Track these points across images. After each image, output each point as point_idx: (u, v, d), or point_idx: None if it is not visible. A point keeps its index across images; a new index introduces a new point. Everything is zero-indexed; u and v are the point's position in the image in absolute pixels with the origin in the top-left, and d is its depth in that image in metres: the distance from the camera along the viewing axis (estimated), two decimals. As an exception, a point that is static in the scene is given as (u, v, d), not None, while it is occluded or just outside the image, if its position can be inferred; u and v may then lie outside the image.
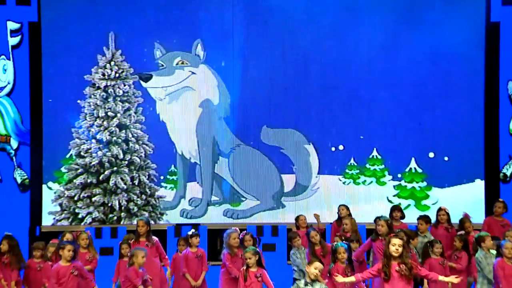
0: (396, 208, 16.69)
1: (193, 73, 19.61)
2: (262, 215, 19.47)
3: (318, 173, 19.57)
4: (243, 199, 19.58)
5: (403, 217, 16.48)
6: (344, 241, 14.52)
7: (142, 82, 19.12)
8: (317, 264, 11.48)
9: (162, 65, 19.33)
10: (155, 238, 15.54)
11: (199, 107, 19.53)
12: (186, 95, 19.46)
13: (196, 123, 19.54)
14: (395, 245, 11.27)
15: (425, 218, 16.41)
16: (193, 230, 16.06)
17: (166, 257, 15.60)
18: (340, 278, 12.23)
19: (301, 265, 15.43)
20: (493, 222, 16.66)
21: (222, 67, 19.56)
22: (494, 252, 14.41)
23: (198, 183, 19.36)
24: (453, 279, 11.56)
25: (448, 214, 16.64)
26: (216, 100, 19.61)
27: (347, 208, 16.82)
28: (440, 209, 16.76)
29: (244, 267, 13.35)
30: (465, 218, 16.23)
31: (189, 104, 19.52)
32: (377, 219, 15.40)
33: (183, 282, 15.49)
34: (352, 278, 12.20)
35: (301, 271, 15.35)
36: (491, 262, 14.10)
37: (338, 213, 16.92)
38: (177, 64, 19.53)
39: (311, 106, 19.34)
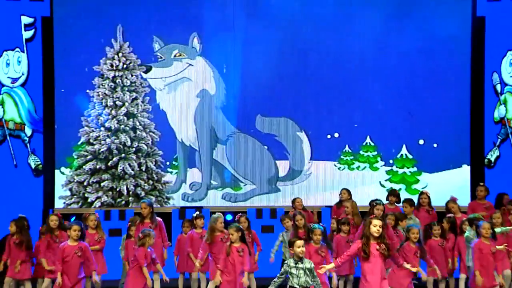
0: (392, 193, 17.18)
1: (190, 64, 19.84)
2: (258, 199, 19.72)
3: (311, 159, 19.85)
4: (242, 183, 19.80)
5: (398, 201, 16.92)
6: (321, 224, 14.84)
7: (142, 73, 19.57)
8: (298, 242, 11.84)
9: (161, 57, 19.62)
10: (158, 219, 16.04)
11: (196, 97, 19.75)
12: (184, 86, 19.69)
13: (195, 112, 19.75)
14: (376, 226, 11.68)
15: (409, 201, 16.92)
16: (197, 212, 16.90)
17: (166, 238, 16.22)
18: (322, 270, 12.49)
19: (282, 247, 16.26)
20: (476, 205, 17.18)
21: (219, 60, 19.66)
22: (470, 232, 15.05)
23: (198, 168, 19.60)
24: (411, 267, 12.22)
25: (429, 197, 17.23)
26: (212, 90, 19.80)
27: (349, 192, 17.36)
28: (422, 193, 17.57)
29: (228, 243, 13.80)
30: (452, 201, 16.61)
31: (187, 94, 19.76)
32: (373, 202, 15.93)
33: (188, 261, 16.12)
34: (331, 265, 12.56)
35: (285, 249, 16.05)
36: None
37: (340, 196, 17.40)
38: (175, 56, 19.81)
39: (307, 97, 19.69)
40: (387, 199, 16.97)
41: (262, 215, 19.03)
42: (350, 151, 19.85)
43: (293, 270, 11.69)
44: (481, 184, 17.80)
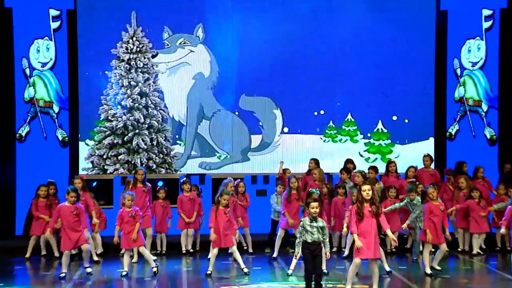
0: (372, 168, 17.88)
1: (191, 51, 20.46)
2: (230, 167, 20.50)
3: (281, 133, 20.58)
4: (217, 153, 20.49)
5: (376, 171, 17.82)
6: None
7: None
8: (313, 203, 12.32)
9: (168, 45, 20.26)
10: (149, 184, 16.90)
11: (192, 79, 20.46)
12: (183, 69, 20.38)
13: (188, 92, 20.44)
14: (365, 191, 12.36)
15: (374, 168, 17.93)
16: (184, 178, 17.83)
17: (150, 200, 16.91)
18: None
19: (276, 207, 16.77)
20: (423, 172, 18.21)
21: (218, 47, 20.38)
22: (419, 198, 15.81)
23: (182, 140, 20.29)
24: (393, 240, 12.66)
25: (396, 165, 18.21)
26: (207, 73, 20.49)
27: (315, 161, 18.19)
28: (390, 162, 18.51)
29: (215, 207, 14.73)
30: (412, 167, 17.92)
31: (185, 76, 20.43)
32: (348, 170, 17.42)
33: (180, 219, 17.24)
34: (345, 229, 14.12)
35: (275, 211, 16.88)
36: (421, 205, 15.61)
37: (308, 165, 18.19)
38: (179, 43, 20.43)
39: (296, 79, 20.45)
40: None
41: (256, 180, 20.02)
42: (333, 126, 20.60)
43: (308, 228, 12.17)
44: (426, 154, 18.75)
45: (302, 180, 17.73)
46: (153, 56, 20.28)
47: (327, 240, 12.36)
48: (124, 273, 14.51)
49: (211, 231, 14.38)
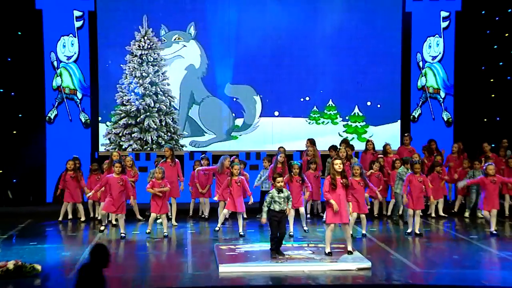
0: (345, 143, 17.99)
1: (184, 46, 20.34)
2: (216, 145, 20.46)
3: (260, 116, 20.53)
4: (205, 133, 20.48)
5: (352, 149, 17.98)
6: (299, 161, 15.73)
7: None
8: (278, 178, 12.54)
9: (164, 40, 20.20)
10: (177, 160, 17.00)
11: (184, 70, 20.35)
12: (177, 61, 20.30)
13: (181, 81, 20.36)
14: (337, 164, 12.51)
15: (350, 146, 17.93)
16: (203, 155, 17.94)
17: (181, 174, 16.91)
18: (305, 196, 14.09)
19: (263, 181, 16.91)
20: (402, 149, 18.43)
21: (210, 43, 20.29)
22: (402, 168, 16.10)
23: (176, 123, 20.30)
24: (351, 209, 12.80)
25: (373, 144, 18.38)
26: (197, 65, 20.36)
27: (310, 141, 17.92)
28: (368, 141, 18.65)
29: (229, 177, 15.03)
30: (387, 145, 18.01)
31: (178, 67, 20.35)
32: (335, 147, 17.45)
33: (197, 190, 17.30)
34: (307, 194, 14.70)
35: (262, 183, 17.00)
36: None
37: (306, 144, 17.93)
38: (174, 39, 20.33)
39: (285, 71, 20.42)
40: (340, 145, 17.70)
41: (250, 157, 20.06)
42: (317, 110, 20.60)
43: (276, 199, 12.31)
44: (406, 134, 18.97)
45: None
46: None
47: (290, 203, 12.59)
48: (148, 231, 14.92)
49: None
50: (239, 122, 20.67)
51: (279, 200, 12.36)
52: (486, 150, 18.19)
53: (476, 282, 11.09)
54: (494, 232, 14.91)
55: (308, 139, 18.16)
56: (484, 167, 15.31)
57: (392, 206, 17.04)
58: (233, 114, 20.64)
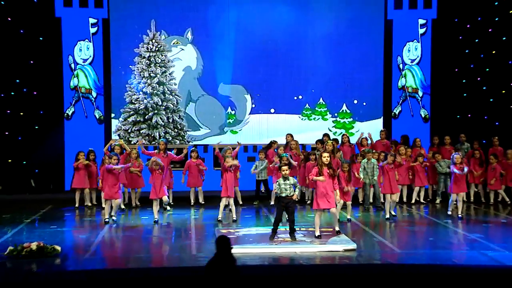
0: (328, 136, 18.07)
1: (182, 49, 20.30)
2: (210, 139, 20.30)
3: (250, 113, 20.47)
4: (201, 128, 20.41)
5: (337, 142, 17.69)
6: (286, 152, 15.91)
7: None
8: (284, 167, 12.52)
9: (164, 45, 20.15)
10: (169, 152, 16.10)
11: (182, 71, 20.31)
12: (176, 63, 20.24)
13: (179, 81, 20.27)
14: (325, 157, 12.56)
15: (335, 140, 17.80)
16: (193, 148, 17.64)
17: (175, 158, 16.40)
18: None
19: (260, 171, 16.85)
20: (378, 143, 18.36)
21: (206, 47, 20.22)
22: (374, 160, 16.02)
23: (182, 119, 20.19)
24: (338, 197, 12.69)
25: (348, 137, 18.37)
26: (194, 67, 20.31)
27: (291, 135, 17.95)
28: (344, 135, 18.61)
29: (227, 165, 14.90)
30: (364, 139, 17.90)
31: (177, 69, 20.30)
32: (322, 141, 17.27)
33: (193, 179, 17.13)
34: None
35: (257, 173, 16.96)
36: (370, 166, 16.02)
37: (286, 138, 17.91)
38: (173, 43, 20.30)
39: (280, 72, 20.41)
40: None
41: (247, 149, 20.08)
42: (309, 107, 20.56)
43: (283, 186, 12.28)
44: (382, 129, 19.08)
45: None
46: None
47: (298, 190, 12.66)
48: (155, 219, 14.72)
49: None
50: (231, 118, 20.50)
51: (285, 187, 12.32)
52: (447, 142, 18.33)
53: (448, 261, 11.16)
54: (460, 216, 15.03)
55: (288, 134, 18.11)
56: (452, 157, 15.35)
57: (372, 194, 16.93)
58: (226, 111, 20.49)
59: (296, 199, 12.89)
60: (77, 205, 17.19)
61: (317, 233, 12.56)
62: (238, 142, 16.79)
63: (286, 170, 12.53)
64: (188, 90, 20.46)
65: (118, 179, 14.81)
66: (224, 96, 20.58)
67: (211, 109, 20.60)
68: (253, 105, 20.59)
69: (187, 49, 20.44)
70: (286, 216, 12.53)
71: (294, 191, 12.50)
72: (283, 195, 12.35)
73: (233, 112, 20.57)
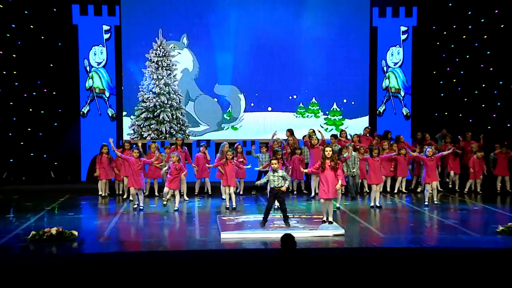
0: (333, 136, 17.62)
1: (179, 53, 20.12)
2: (209, 134, 20.25)
3: (244, 111, 20.32)
4: (200, 124, 20.26)
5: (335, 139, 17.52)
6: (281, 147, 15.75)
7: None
8: (274, 161, 12.44)
9: (170, 50, 20.00)
10: (185, 147, 17.13)
11: (180, 72, 20.17)
12: (174, 66, 20.07)
13: (178, 82, 20.14)
14: (327, 151, 12.53)
15: (335, 136, 17.72)
16: (203, 143, 17.76)
17: (190, 158, 17.15)
18: (303, 171, 13.67)
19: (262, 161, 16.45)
20: (363, 138, 18.14)
21: (198, 49, 20.03)
22: (354, 153, 15.88)
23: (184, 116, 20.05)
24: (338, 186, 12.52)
25: (346, 133, 17.98)
26: (191, 69, 20.17)
27: (289, 131, 17.87)
28: (342, 130, 18.41)
29: (225, 159, 15.00)
30: (356, 135, 17.57)
31: (175, 71, 20.08)
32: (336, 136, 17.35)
33: (202, 171, 17.04)
34: (305, 170, 13.59)
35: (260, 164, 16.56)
36: (352, 159, 16.00)
37: (286, 133, 17.83)
38: (171, 48, 20.08)
39: (275, 74, 20.26)
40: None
41: (246, 144, 19.80)
42: (303, 106, 20.46)
43: (271, 177, 12.28)
44: (367, 126, 19.10)
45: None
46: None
47: (287, 181, 12.38)
48: (164, 203, 14.74)
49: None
50: (228, 116, 20.43)
51: (273, 179, 12.26)
52: (427, 138, 18.24)
53: (427, 244, 11.27)
54: (435, 202, 15.17)
55: (288, 130, 18.00)
56: (425, 150, 15.47)
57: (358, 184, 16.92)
58: (227, 110, 20.40)
59: (289, 190, 12.86)
60: (103, 194, 17.21)
61: (330, 219, 12.51)
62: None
63: (276, 164, 12.43)
64: (187, 90, 20.37)
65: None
66: (219, 96, 20.46)
67: (208, 108, 20.45)
68: (252, 104, 20.42)
69: (184, 52, 20.30)
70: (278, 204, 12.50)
71: (284, 183, 12.35)
72: (272, 186, 12.28)
73: (229, 110, 20.41)
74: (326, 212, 12.56)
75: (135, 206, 14.92)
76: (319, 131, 16.24)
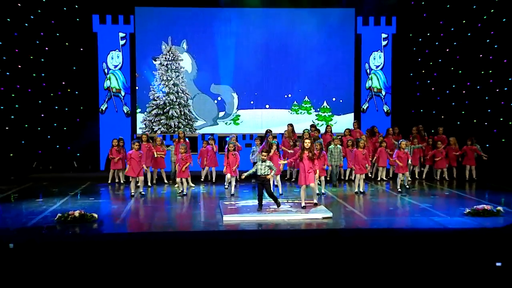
0: (316, 129, 17.67)
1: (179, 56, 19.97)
2: (206, 129, 20.11)
3: (237, 108, 20.17)
4: (198, 120, 20.09)
5: (319, 132, 17.65)
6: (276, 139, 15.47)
7: (153, 61, 19.87)
8: (264, 153, 12.39)
9: (178, 55, 19.95)
10: (187, 140, 16.92)
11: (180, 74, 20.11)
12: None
13: (178, 82, 19.97)
14: (307, 142, 12.56)
15: (317, 130, 17.57)
16: (210, 137, 17.63)
17: (189, 151, 16.30)
18: (281, 162, 13.79)
19: (255, 157, 16.19)
20: (353, 131, 18.10)
21: (197, 53, 19.86)
22: (339, 146, 15.87)
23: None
24: (317, 175, 12.58)
25: (331, 128, 18.14)
26: (190, 70, 20.05)
27: (290, 125, 17.59)
28: (327, 126, 18.26)
29: (226, 152, 15.02)
30: (347, 130, 17.73)
31: (175, 71, 19.97)
32: (305, 130, 16.42)
33: (205, 161, 16.88)
34: (285, 161, 14.01)
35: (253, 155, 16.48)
36: (337, 151, 15.97)
37: (287, 127, 17.54)
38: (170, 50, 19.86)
39: (272, 76, 20.19)
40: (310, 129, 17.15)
41: (245, 137, 19.94)
42: (297, 104, 20.38)
43: (259, 166, 12.18)
44: (355, 121, 19.06)
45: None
46: (155, 59, 20.04)
47: (273, 171, 12.30)
48: (179, 191, 14.75)
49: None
50: (221, 112, 20.35)
51: (261, 168, 12.18)
52: (413, 132, 18.13)
53: (404, 225, 11.34)
54: (407, 187, 15.22)
55: (289, 124, 17.91)
56: (398, 142, 15.42)
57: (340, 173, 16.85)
58: (217, 107, 20.31)
59: (276, 178, 12.97)
60: (109, 181, 17.10)
61: (303, 204, 12.52)
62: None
63: (266, 155, 12.38)
64: (185, 89, 20.33)
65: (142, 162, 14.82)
66: (215, 95, 20.35)
67: (205, 105, 20.36)
68: (252, 102, 20.31)
69: (184, 56, 20.16)
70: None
71: (270, 172, 12.25)
72: (258, 173, 12.18)
73: (224, 107, 20.35)
74: (305, 197, 12.54)
75: (132, 193, 14.67)
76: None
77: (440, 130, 18.49)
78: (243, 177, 12.65)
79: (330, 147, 16.06)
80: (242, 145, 18.48)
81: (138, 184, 14.84)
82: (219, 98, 20.42)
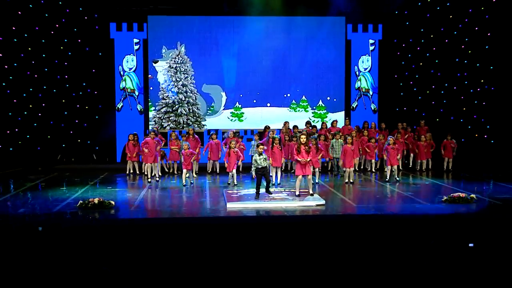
0: (313, 126, 17.66)
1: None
2: (212, 123, 19.80)
3: (224, 106, 19.90)
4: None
5: (315, 128, 17.55)
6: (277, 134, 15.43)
7: (153, 63, 19.64)
8: (261, 146, 12.32)
9: (165, 56, 19.69)
10: (197, 136, 16.78)
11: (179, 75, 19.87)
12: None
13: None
14: (302, 138, 12.55)
15: (314, 127, 17.53)
16: (212, 132, 17.30)
17: (200, 143, 16.67)
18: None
19: (253, 151, 16.29)
20: (345, 128, 18.05)
21: (195, 57, 19.64)
22: (341, 141, 15.80)
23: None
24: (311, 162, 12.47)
25: (326, 124, 18.04)
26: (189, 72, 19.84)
27: (286, 122, 17.74)
28: (323, 123, 18.13)
29: (228, 149, 14.70)
30: (335, 122, 17.75)
31: (174, 73, 19.77)
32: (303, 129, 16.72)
33: (211, 154, 16.66)
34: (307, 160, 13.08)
35: (253, 149, 16.39)
36: (338, 144, 15.89)
37: (283, 124, 17.66)
38: (171, 55, 19.72)
39: (271, 77, 20.03)
40: (305, 125, 17.46)
41: (247, 132, 19.74)
42: (295, 102, 20.25)
43: (257, 159, 12.09)
44: (347, 118, 19.08)
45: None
46: (155, 62, 19.78)
47: (268, 162, 12.36)
48: (184, 184, 14.58)
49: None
50: (210, 110, 20.10)
51: (259, 160, 12.10)
52: (399, 128, 18.07)
53: (389, 211, 11.30)
54: (397, 179, 15.08)
55: (285, 122, 17.88)
56: (388, 138, 15.34)
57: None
58: (207, 104, 20.10)
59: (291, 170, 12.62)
60: (127, 172, 16.90)
61: (297, 193, 12.47)
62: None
63: (262, 149, 12.28)
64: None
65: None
66: (205, 94, 20.15)
67: (199, 102, 20.14)
68: (254, 100, 20.17)
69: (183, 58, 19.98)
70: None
71: (266, 162, 12.19)
72: (259, 166, 12.09)
73: (212, 105, 20.14)
74: (300, 186, 12.46)
75: (149, 179, 14.81)
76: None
77: (421, 123, 18.53)
78: (253, 174, 12.30)
79: (332, 141, 16.00)
80: (244, 139, 18.29)
81: (154, 173, 14.81)
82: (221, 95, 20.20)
